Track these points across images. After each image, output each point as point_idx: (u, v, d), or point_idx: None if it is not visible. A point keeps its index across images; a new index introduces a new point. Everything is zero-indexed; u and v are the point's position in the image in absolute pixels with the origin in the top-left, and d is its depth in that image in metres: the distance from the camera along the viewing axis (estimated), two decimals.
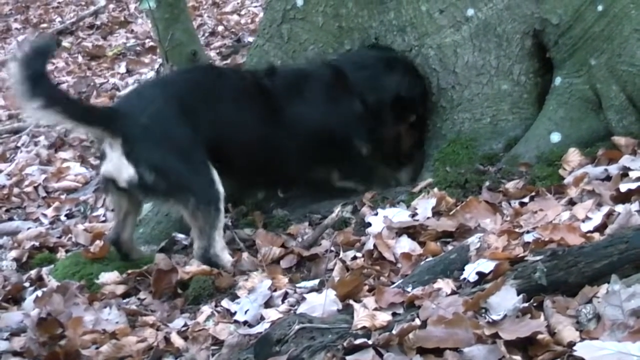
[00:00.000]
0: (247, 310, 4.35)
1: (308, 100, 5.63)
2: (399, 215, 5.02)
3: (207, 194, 5.04)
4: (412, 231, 4.83)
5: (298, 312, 3.93)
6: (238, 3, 13.75)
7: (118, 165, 4.99)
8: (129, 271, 5.09)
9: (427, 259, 4.34)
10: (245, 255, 5.10)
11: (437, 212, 5.01)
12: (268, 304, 4.38)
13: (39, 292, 4.83)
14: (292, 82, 5.69)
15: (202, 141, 5.13)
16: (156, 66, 10.73)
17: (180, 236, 5.65)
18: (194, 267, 4.95)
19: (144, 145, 5.00)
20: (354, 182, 5.71)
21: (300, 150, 5.53)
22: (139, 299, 4.92)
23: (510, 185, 5.16)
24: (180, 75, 5.94)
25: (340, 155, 5.66)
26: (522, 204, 4.90)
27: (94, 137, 5.09)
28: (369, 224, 5.05)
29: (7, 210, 7.27)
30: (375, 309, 3.70)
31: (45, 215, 6.99)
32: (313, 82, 5.72)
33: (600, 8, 5.32)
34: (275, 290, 4.50)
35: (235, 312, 4.39)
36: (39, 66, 4.79)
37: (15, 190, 7.60)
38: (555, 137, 5.39)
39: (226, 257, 5.05)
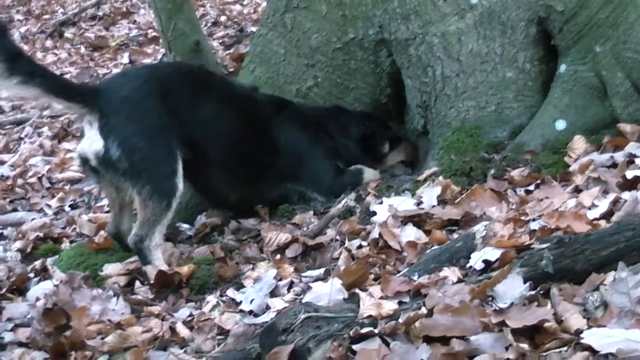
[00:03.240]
0: (253, 299, 4.34)
1: (298, 125, 5.78)
2: (404, 203, 5.01)
3: (164, 185, 4.97)
4: (417, 220, 4.81)
5: (304, 301, 3.92)
6: None
7: (91, 141, 4.96)
8: (131, 260, 5.07)
9: (433, 248, 4.33)
10: (250, 244, 5.09)
11: (442, 201, 5.00)
12: (273, 294, 4.38)
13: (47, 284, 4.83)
14: (282, 104, 5.85)
15: (178, 131, 5.08)
16: (159, 56, 10.75)
17: (185, 226, 5.65)
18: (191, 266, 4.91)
19: (118, 118, 4.96)
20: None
21: (277, 165, 5.65)
22: (142, 284, 4.90)
23: (515, 173, 5.15)
24: (172, 64, 5.94)
25: (317, 175, 5.77)
26: (528, 192, 4.88)
27: (75, 114, 5.03)
28: (374, 213, 5.04)
29: (11, 201, 7.28)
30: (381, 298, 3.70)
31: (49, 206, 7.00)
32: (302, 112, 5.89)
33: None
34: (280, 280, 4.49)
35: (241, 302, 4.38)
36: (9, 44, 4.78)
37: (19, 181, 7.61)
38: (561, 125, 5.37)
39: (158, 255, 4.96)
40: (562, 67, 5.48)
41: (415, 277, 3.86)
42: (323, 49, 6.03)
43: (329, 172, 5.75)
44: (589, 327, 3.24)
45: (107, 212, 6.38)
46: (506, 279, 3.52)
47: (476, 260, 3.83)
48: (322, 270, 4.53)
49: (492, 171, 5.23)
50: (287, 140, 5.68)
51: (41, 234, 6.02)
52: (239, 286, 4.62)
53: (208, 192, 5.62)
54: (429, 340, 3.34)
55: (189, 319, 4.37)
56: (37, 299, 4.50)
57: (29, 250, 5.81)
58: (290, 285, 4.44)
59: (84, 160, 5.05)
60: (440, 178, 5.21)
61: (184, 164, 5.05)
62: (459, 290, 3.57)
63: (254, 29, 10.26)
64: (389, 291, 3.74)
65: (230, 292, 4.52)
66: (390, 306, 3.58)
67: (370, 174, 5.76)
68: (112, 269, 5.06)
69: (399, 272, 4.14)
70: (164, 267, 4.88)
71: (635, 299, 3.29)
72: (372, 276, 4.13)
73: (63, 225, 6.35)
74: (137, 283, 4.92)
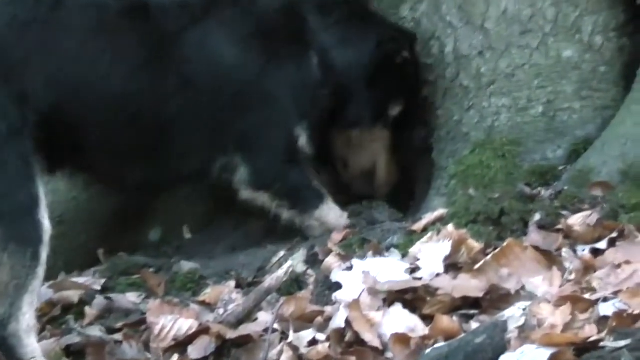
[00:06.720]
0: None
1: (223, 36, 5.73)
2: (389, 269, 5.04)
3: (22, 226, 4.97)
4: (410, 297, 4.85)
5: None
6: None
7: None
8: None
9: (437, 345, 4.36)
10: (129, 337, 5.13)
11: (452, 265, 5.04)
12: None
13: None
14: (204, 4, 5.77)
15: (29, 116, 5.10)
16: None
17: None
18: None
19: None
20: (270, 196, 5.74)
21: (194, 119, 5.65)
22: None
23: (576, 221, 5.19)
24: None
25: (257, 140, 5.74)
26: (596, 252, 4.93)
27: None
28: (339, 285, 5.07)
29: None
30: None
31: None
32: (239, 13, 5.82)
33: None
34: None
35: None
36: None
37: None
38: None
39: (33, 345, 4.95)
40: None
41: None
42: None
43: (276, 146, 5.78)
44: None
45: None
46: None
47: None
48: None
49: (538, 216, 5.28)
50: (208, 65, 5.65)
51: None
52: None
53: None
54: None
55: None
56: None
57: None
58: None
59: None
60: (451, 227, 5.24)
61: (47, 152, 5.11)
62: None
63: None
64: None
65: None
66: None
67: (334, 212, 5.80)
68: None
69: None
70: None
71: None
72: None
73: None
74: None
